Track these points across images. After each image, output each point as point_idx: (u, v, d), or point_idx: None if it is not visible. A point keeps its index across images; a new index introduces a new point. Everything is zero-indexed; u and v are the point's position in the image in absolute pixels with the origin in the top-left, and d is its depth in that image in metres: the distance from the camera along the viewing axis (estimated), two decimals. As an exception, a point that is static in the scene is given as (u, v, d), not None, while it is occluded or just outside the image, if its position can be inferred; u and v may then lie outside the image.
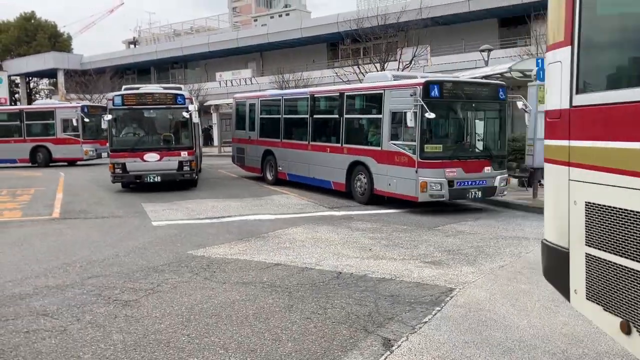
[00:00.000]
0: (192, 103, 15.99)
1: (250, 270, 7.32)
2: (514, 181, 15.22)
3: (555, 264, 3.79)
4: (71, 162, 26.38)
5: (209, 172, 22.18)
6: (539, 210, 12.25)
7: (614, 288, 3.20)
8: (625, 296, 3.11)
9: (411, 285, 6.60)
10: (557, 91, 3.65)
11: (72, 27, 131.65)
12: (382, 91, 12.47)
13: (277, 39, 45.68)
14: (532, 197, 13.57)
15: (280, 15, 76.92)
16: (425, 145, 11.51)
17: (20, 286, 6.68)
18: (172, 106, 15.38)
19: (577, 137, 3.49)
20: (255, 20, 75.23)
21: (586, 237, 3.40)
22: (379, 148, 12.50)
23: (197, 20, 67.04)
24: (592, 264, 3.37)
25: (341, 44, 33.69)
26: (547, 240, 3.86)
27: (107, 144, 16.22)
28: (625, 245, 3.08)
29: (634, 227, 3.00)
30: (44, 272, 7.32)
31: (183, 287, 6.58)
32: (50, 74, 59.13)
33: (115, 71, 46.97)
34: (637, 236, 2.99)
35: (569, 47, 3.51)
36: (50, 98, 50.90)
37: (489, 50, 21.80)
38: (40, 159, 25.99)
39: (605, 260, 3.25)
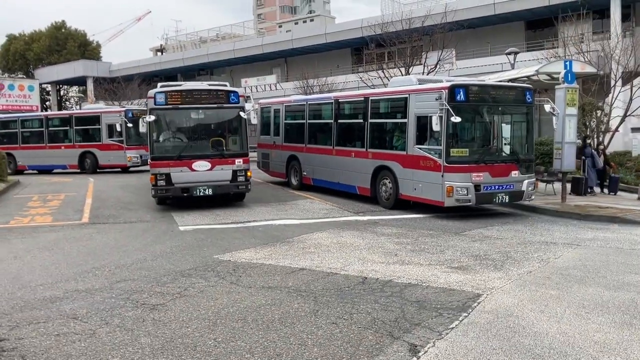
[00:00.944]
0: (247, 101, 14.24)
1: (276, 275, 7.34)
2: (542, 185, 15.00)
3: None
4: (125, 169, 25.25)
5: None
6: (567, 215, 12.05)
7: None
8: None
9: (438, 291, 6.54)
10: None
11: (100, 35, 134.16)
12: (407, 95, 12.41)
13: (302, 44, 45.88)
14: (561, 201, 13.35)
15: (304, 21, 77.28)
16: (451, 150, 11.41)
17: (51, 290, 6.81)
18: (225, 105, 13.21)
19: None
20: (280, 27, 75.71)
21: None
22: (405, 152, 12.44)
23: (223, 28, 67.75)
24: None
25: (365, 49, 33.68)
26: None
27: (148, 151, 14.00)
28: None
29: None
30: (73, 276, 7.45)
31: (209, 291, 6.63)
32: (80, 81, 60.33)
33: (143, 78, 47.71)
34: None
35: None
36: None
37: (515, 53, 21.57)
38: (88, 165, 25.32)
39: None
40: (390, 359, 4.63)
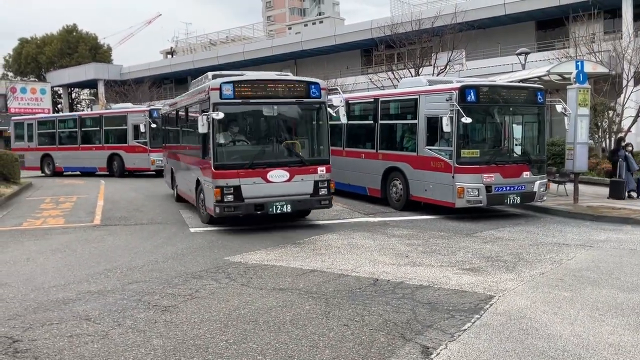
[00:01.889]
0: (329, 94, 12.05)
1: (287, 277, 7.34)
2: (553, 186, 14.89)
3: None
4: (150, 173, 23.73)
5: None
6: (580, 216, 11.95)
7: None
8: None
9: (449, 293, 6.50)
10: None
11: (111, 39, 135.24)
12: (418, 96, 12.37)
13: (311, 46, 45.87)
14: (573, 202, 13.25)
15: (314, 23, 77.42)
16: (462, 150, 11.37)
17: (63, 291, 6.85)
18: (305, 100, 10.86)
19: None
20: (290, 29, 75.89)
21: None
22: (415, 154, 12.40)
23: (233, 30, 67.78)
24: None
25: (375, 50, 33.58)
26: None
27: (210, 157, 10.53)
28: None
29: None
30: (86, 278, 7.49)
31: (221, 293, 6.64)
32: (91, 84, 60.69)
33: (154, 81, 47.92)
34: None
35: None
36: (91, 106, 52.14)
37: (526, 53, 21.45)
38: (115, 167, 24.20)
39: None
40: (402, 361, 4.61)
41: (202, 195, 11.39)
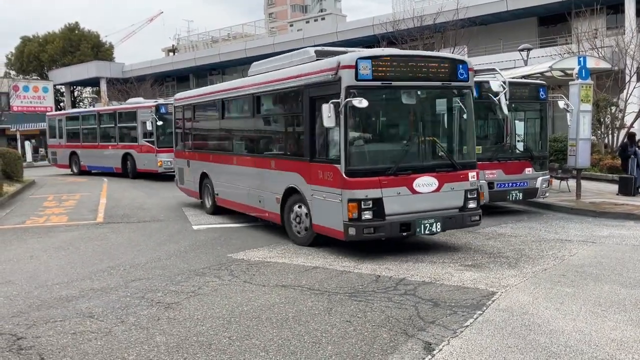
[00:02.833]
0: (492, 75, 10.11)
1: (289, 273, 7.36)
2: (556, 182, 14.87)
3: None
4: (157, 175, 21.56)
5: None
6: (582, 212, 11.94)
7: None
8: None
9: (451, 289, 6.51)
10: None
11: (112, 36, 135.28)
12: None
13: (313, 43, 45.84)
14: (575, 198, 13.24)
15: (316, 20, 77.34)
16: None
17: (67, 289, 6.88)
18: (453, 84, 8.36)
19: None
20: (291, 26, 75.83)
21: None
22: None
23: (234, 27, 67.71)
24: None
25: (377, 47, 33.56)
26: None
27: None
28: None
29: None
30: (89, 275, 7.52)
31: (223, 289, 6.66)
32: (94, 82, 60.73)
33: (155, 79, 47.94)
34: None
35: None
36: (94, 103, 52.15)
37: (528, 49, 21.39)
38: (129, 168, 22.15)
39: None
40: (405, 357, 4.62)
41: (301, 209, 8.92)
